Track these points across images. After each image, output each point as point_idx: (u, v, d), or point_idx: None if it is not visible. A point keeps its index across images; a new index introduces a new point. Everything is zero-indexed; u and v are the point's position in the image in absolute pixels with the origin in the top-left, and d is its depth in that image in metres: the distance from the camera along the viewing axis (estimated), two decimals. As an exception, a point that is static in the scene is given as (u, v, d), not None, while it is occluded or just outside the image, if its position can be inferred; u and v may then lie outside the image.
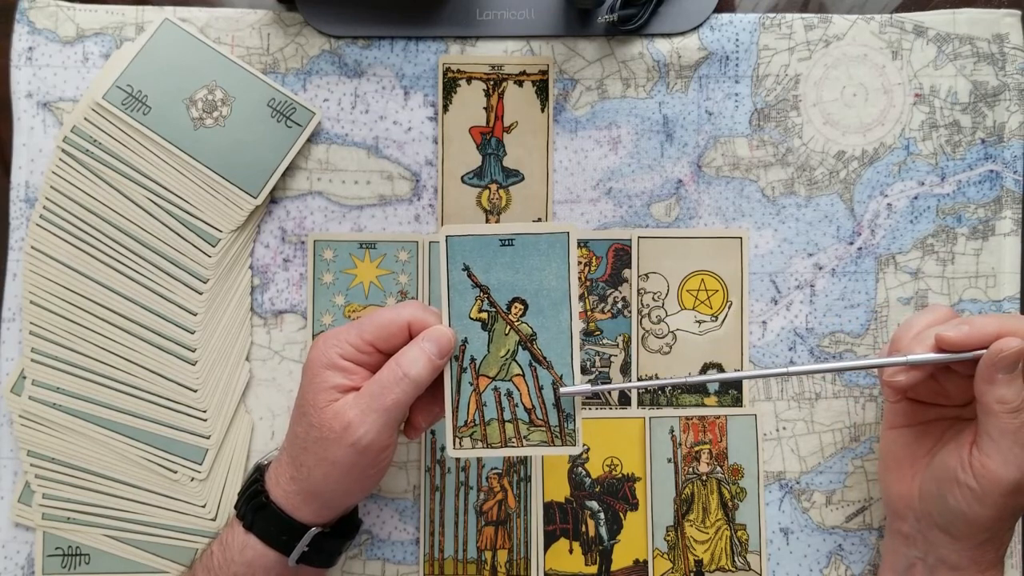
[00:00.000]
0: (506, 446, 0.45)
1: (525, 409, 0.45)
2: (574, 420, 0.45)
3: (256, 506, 0.45)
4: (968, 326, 0.42)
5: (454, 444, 0.45)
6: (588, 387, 0.44)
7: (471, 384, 0.45)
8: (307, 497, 0.44)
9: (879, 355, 0.49)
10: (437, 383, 0.45)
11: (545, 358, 0.45)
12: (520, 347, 0.45)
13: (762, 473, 0.54)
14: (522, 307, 0.44)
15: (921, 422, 0.47)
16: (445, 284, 0.44)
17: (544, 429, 0.45)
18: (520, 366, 0.45)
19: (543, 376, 0.45)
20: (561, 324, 0.44)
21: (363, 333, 0.43)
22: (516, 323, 0.45)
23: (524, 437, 0.45)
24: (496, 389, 0.45)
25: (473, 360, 0.45)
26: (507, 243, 0.44)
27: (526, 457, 0.53)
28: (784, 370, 0.44)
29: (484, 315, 0.45)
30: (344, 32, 0.54)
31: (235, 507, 0.46)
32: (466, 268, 0.44)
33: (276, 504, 0.44)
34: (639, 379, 0.54)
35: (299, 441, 0.43)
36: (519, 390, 0.45)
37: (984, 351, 0.42)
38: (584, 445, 0.53)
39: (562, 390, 0.44)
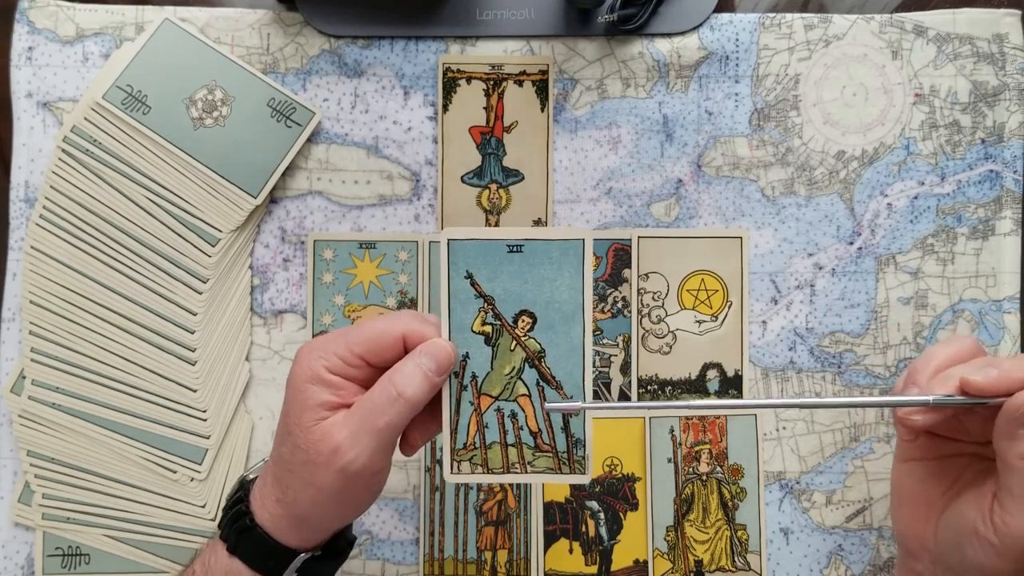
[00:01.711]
0: (509, 472, 0.41)
1: (531, 432, 0.41)
2: (584, 446, 0.41)
3: (240, 528, 0.41)
4: (997, 370, 0.38)
5: (452, 468, 0.41)
6: (577, 404, 0.40)
7: (472, 404, 0.41)
8: (293, 522, 0.40)
9: (895, 392, 0.43)
10: (435, 399, 0.41)
11: (554, 377, 0.40)
12: (527, 364, 0.41)
13: (762, 473, 0.54)
14: (530, 320, 0.40)
15: (937, 457, 0.44)
16: (446, 293, 0.40)
17: (551, 455, 0.41)
18: (526, 385, 0.41)
19: (552, 397, 0.41)
20: (573, 340, 0.40)
21: (352, 345, 0.39)
22: (523, 338, 0.40)
23: (529, 463, 0.41)
24: (499, 410, 0.41)
25: (475, 377, 0.41)
26: (515, 249, 0.40)
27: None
28: (800, 401, 0.40)
29: (488, 328, 0.40)
30: (344, 32, 0.54)
31: (218, 526, 0.43)
32: (469, 276, 0.40)
33: (262, 528, 0.41)
34: (639, 379, 0.54)
35: (284, 463, 0.40)
36: (525, 411, 0.41)
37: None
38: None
39: (547, 405, 0.40)
